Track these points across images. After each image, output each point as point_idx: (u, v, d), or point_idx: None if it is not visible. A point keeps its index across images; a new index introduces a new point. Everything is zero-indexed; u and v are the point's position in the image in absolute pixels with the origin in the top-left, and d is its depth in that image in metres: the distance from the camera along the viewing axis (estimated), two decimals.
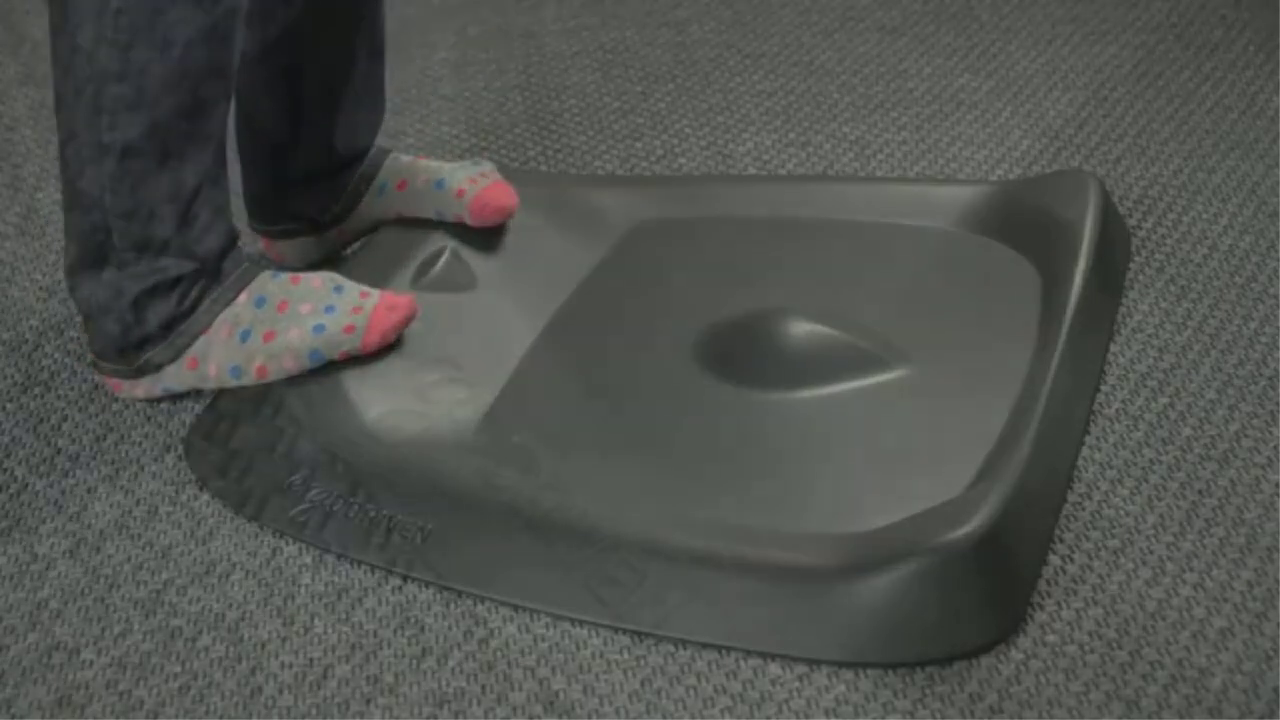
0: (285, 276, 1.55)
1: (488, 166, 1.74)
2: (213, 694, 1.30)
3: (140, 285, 1.52)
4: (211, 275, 1.53)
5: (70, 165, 1.49)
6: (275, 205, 1.76)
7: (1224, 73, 2.10)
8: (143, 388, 1.57)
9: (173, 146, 1.47)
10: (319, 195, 1.74)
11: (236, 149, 1.74)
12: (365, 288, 1.55)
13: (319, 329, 1.51)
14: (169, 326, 1.53)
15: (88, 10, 1.42)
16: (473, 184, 1.70)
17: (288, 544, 1.44)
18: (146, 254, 1.51)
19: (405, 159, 1.75)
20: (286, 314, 1.52)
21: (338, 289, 1.54)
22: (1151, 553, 1.38)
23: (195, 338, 1.54)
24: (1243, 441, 1.49)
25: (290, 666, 1.32)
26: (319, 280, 1.55)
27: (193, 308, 1.53)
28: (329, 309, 1.52)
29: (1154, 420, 1.52)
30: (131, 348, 1.55)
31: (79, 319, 1.69)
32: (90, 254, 1.52)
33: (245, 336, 1.52)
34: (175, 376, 1.56)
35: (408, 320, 1.54)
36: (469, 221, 1.70)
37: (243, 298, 1.53)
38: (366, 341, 1.52)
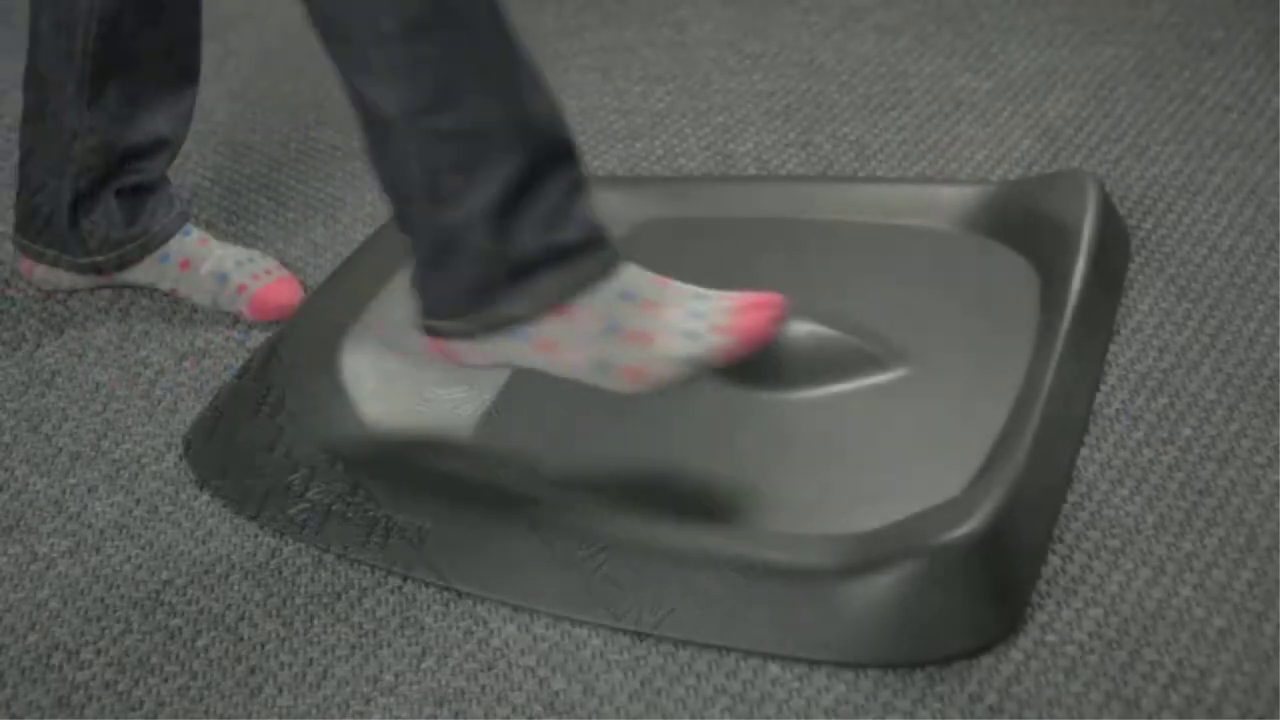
0: (652, 275, 1.39)
1: (272, 263, 1.74)
2: (212, 694, 1.30)
3: (491, 197, 1.33)
4: (565, 159, 1.36)
5: (364, 88, 1.32)
6: (50, 224, 1.74)
7: (1224, 73, 2.10)
8: (482, 353, 1.40)
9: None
10: (97, 224, 1.72)
11: (21, 151, 1.74)
12: (728, 293, 1.40)
13: (692, 335, 1.36)
14: (533, 264, 1.35)
15: None
16: (255, 280, 1.72)
17: (287, 544, 1.44)
18: (480, 158, 1.33)
19: (196, 236, 1.75)
20: (653, 315, 1.37)
21: (701, 295, 1.39)
22: (1151, 553, 1.38)
23: (545, 311, 1.36)
24: (1243, 441, 1.49)
25: (289, 666, 1.32)
26: (686, 289, 1.40)
27: (556, 249, 1.35)
28: (695, 313, 1.38)
29: (1154, 420, 1.52)
30: (485, 291, 1.36)
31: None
32: (421, 192, 1.34)
33: (613, 331, 1.36)
34: (521, 352, 1.39)
35: (779, 315, 1.38)
36: (248, 318, 1.71)
37: (610, 288, 1.38)
38: (740, 339, 1.36)
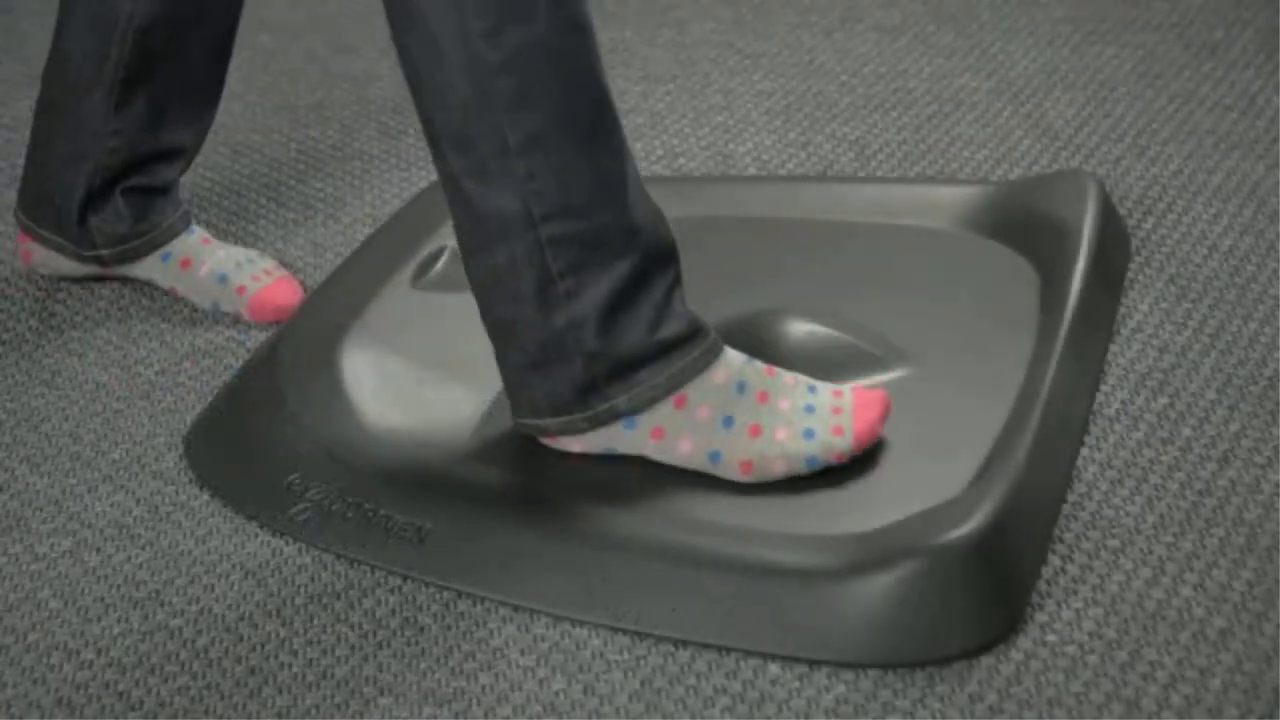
0: (758, 364, 1.43)
1: (271, 263, 1.74)
2: (212, 695, 1.30)
3: (601, 299, 1.37)
4: (668, 260, 1.40)
5: (479, 196, 1.35)
6: (59, 215, 1.74)
7: (1224, 73, 2.10)
8: (584, 443, 1.43)
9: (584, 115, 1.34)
10: (106, 220, 1.72)
11: (36, 126, 1.73)
12: (832, 385, 1.44)
13: (809, 434, 1.40)
14: (641, 359, 1.39)
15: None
16: (255, 281, 1.72)
17: (287, 544, 1.44)
18: (592, 262, 1.36)
19: (199, 236, 1.75)
20: (768, 408, 1.41)
21: (810, 387, 1.43)
22: (1151, 553, 1.38)
23: (657, 401, 1.40)
24: (1243, 441, 1.49)
25: (289, 667, 1.32)
26: (790, 377, 1.44)
27: (663, 344, 1.38)
28: (809, 408, 1.42)
29: (1154, 420, 1.52)
30: (593, 388, 1.40)
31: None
32: (530, 293, 1.36)
33: (728, 424, 1.40)
34: (632, 441, 1.42)
35: (886, 413, 1.43)
36: (247, 318, 1.72)
37: (721, 376, 1.41)
38: (857, 441, 1.41)
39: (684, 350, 1.40)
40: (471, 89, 1.31)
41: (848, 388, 1.45)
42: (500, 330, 1.40)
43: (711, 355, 1.41)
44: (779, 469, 1.41)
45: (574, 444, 1.44)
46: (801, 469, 1.41)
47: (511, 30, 1.30)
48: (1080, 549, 1.38)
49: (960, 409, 1.48)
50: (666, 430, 1.41)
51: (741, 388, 1.41)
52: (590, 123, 1.34)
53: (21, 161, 2.03)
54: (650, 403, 1.40)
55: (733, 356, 1.42)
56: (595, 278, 1.36)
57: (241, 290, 1.71)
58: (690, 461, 1.42)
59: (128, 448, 1.56)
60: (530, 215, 1.34)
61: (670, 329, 1.39)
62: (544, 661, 1.31)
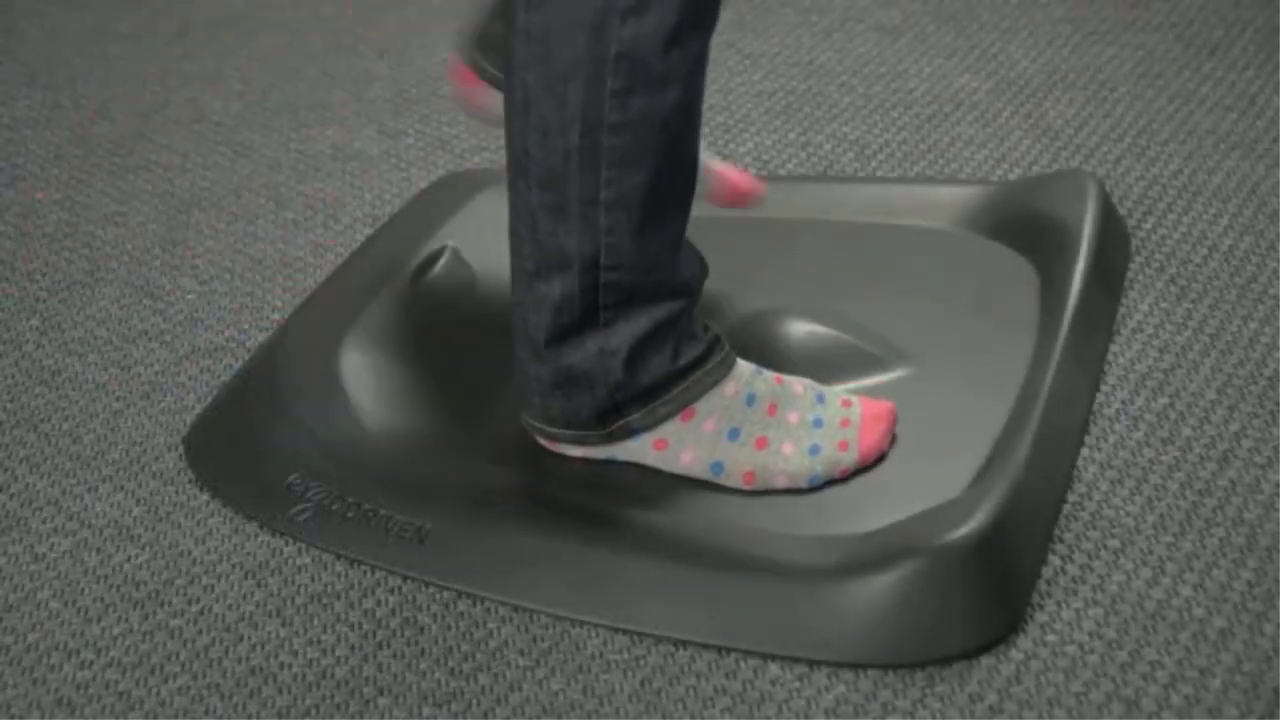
0: (768, 374, 1.45)
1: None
2: (212, 695, 1.30)
3: (636, 334, 1.39)
4: (698, 296, 1.43)
5: (547, 230, 1.36)
6: None
7: (1224, 73, 2.10)
8: (586, 450, 1.45)
9: (675, 184, 1.38)
10: None
11: None
12: (842, 394, 1.47)
13: (814, 450, 1.42)
14: (661, 385, 1.41)
15: (576, 60, 1.30)
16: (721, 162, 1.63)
17: (287, 544, 1.44)
18: (638, 303, 1.38)
19: None
20: (776, 420, 1.43)
21: (819, 397, 1.45)
22: (1151, 553, 1.38)
23: (669, 417, 1.42)
24: (1243, 441, 1.49)
25: (289, 667, 1.32)
26: (800, 385, 1.46)
27: (682, 369, 1.41)
28: (817, 422, 1.43)
29: (1154, 420, 1.52)
30: (613, 411, 1.42)
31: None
32: (573, 322, 1.38)
33: (734, 435, 1.42)
34: (635, 451, 1.44)
35: (893, 428, 1.45)
36: (712, 191, 1.62)
37: (731, 389, 1.43)
38: (862, 457, 1.43)
39: (700, 367, 1.41)
40: (581, 140, 1.31)
41: (856, 397, 1.45)
42: (531, 348, 1.41)
43: (724, 370, 1.42)
44: (781, 482, 1.42)
45: (575, 450, 1.44)
46: (803, 485, 1.42)
47: (641, 97, 1.31)
48: (1080, 549, 1.38)
49: (960, 409, 1.48)
50: (670, 442, 1.42)
51: (751, 400, 1.42)
52: (677, 190, 1.37)
53: (21, 160, 2.04)
54: (663, 419, 1.42)
55: (743, 368, 1.44)
56: (636, 316, 1.38)
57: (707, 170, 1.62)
58: (691, 470, 1.42)
59: (127, 448, 1.56)
60: (597, 261, 1.36)
61: (690, 353, 1.41)
62: (543, 662, 1.31)
